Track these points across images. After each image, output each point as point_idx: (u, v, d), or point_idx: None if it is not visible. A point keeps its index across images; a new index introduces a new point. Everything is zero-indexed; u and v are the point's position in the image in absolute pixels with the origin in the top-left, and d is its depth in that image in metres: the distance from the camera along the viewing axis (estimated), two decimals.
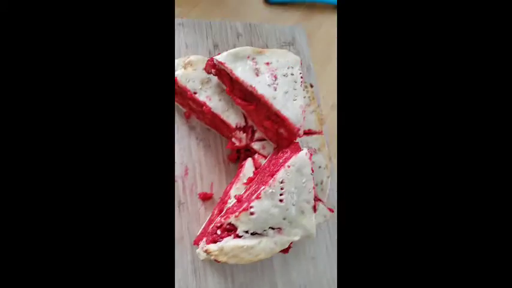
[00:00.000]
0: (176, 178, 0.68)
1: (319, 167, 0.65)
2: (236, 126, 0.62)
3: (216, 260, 0.46)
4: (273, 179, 0.47)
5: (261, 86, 0.52)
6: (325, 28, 0.93)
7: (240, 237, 0.46)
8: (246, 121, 0.63)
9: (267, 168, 0.53)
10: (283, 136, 0.56)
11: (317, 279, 0.71)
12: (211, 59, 0.57)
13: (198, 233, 0.66)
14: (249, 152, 0.66)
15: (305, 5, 0.92)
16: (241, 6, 0.88)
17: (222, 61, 0.54)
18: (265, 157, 0.62)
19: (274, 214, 0.46)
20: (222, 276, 0.65)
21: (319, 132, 0.68)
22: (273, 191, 0.46)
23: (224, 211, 0.55)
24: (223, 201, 0.59)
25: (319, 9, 0.93)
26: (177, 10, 0.80)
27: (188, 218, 0.67)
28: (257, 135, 0.63)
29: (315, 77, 0.83)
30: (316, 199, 0.66)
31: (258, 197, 0.46)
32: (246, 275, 0.67)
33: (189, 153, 0.69)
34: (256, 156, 0.63)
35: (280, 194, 0.47)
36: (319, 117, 0.68)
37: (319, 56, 0.88)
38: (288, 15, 0.91)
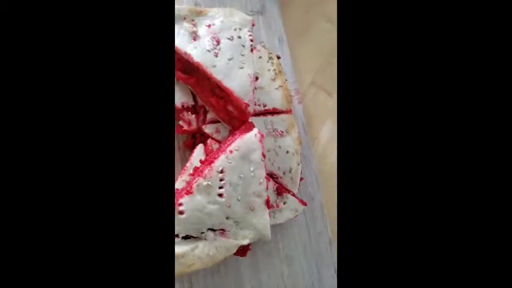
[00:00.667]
0: None
1: (287, 152, 0.54)
2: (183, 106, 0.51)
3: None
4: (209, 168, 0.36)
5: (197, 52, 0.41)
6: None
7: None
8: (195, 100, 0.52)
9: (213, 157, 0.42)
10: (233, 115, 0.45)
11: (293, 281, 0.61)
12: None
13: None
14: (204, 137, 0.55)
15: None
16: None
17: None
18: (219, 142, 0.51)
19: (212, 212, 0.35)
20: (178, 281, 0.56)
21: (287, 112, 0.56)
22: (209, 183, 0.35)
23: None
24: None
25: None
26: None
27: None
28: (209, 116, 0.52)
29: (288, 50, 0.71)
30: (285, 190, 0.55)
31: (188, 192, 0.35)
32: (207, 279, 0.57)
33: None
34: (209, 141, 0.52)
35: (220, 187, 0.36)
36: (286, 93, 0.56)
37: (294, 27, 0.75)
38: None
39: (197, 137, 0.56)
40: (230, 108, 0.44)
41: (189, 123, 0.52)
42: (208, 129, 0.52)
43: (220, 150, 0.38)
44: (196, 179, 0.37)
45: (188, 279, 0.56)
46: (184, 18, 0.43)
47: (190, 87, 0.50)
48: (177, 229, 0.36)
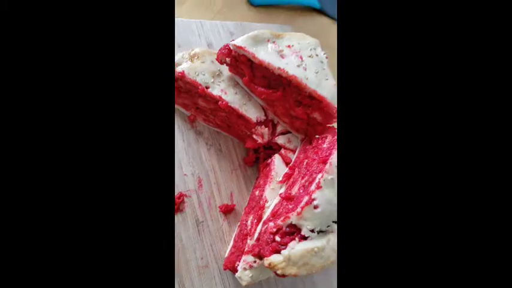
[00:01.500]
0: (189, 193, 0.56)
1: None
2: (257, 121, 0.54)
3: (281, 275, 0.36)
4: (328, 163, 0.39)
5: (290, 67, 0.46)
6: (308, 29, 0.92)
7: (305, 238, 0.37)
8: (265, 114, 0.55)
9: (310, 158, 0.45)
10: (315, 122, 0.49)
11: None
12: (226, 46, 0.50)
13: (227, 254, 0.54)
14: (270, 150, 0.58)
15: (288, 8, 0.91)
16: (227, 8, 0.84)
17: (241, 45, 0.47)
18: (293, 151, 0.55)
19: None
20: None
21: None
22: (333, 177, 0.39)
23: (267, 215, 0.45)
24: (260, 207, 0.49)
25: (302, 12, 0.93)
26: None
27: (210, 239, 0.54)
28: (279, 128, 0.56)
29: None
30: None
31: (318, 187, 0.38)
32: None
33: (200, 162, 0.58)
34: (283, 151, 0.55)
35: None
36: None
37: None
38: (272, 18, 0.89)
39: (260, 151, 0.59)
40: (315, 115, 0.49)
41: (262, 136, 0.55)
42: (280, 140, 0.55)
43: (328, 149, 0.42)
44: (320, 175, 0.39)
45: None
46: (268, 40, 0.49)
47: (263, 103, 0.54)
48: (314, 224, 0.37)
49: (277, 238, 0.38)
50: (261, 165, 0.58)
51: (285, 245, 0.37)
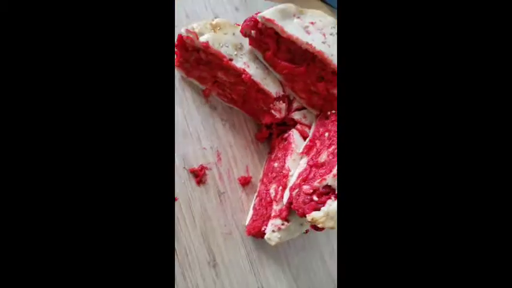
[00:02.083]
0: (209, 165, 0.57)
1: None
2: (276, 96, 0.57)
3: (320, 229, 0.41)
4: None
5: (316, 43, 0.49)
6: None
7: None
8: (283, 90, 0.58)
9: (332, 131, 0.50)
10: (333, 97, 0.54)
11: None
12: (252, 18, 0.51)
13: (247, 222, 0.57)
14: (283, 126, 0.61)
15: None
16: None
17: (271, 18, 0.49)
18: (308, 126, 0.59)
19: None
20: (278, 262, 0.58)
21: None
22: None
23: (293, 182, 0.49)
24: (283, 176, 0.53)
25: None
26: None
27: (231, 209, 0.57)
28: (295, 104, 0.60)
29: None
30: None
31: None
32: (299, 254, 0.61)
33: (216, 137, 0.60)
34: (299, 126, 0.59)
35: None
36: None
37: None
38: None
39: (273, 128, 0.62)
40: (335, 91, 0.53)
41: (280, 111, 0.58)
42: (297, 115, 0.59)
43: None
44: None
45: (285, 258, 0.59)
46: (294, 15, 0.51)
47: (281, 78, 0.57)
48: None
49: (315, 198, 0.42)
50: (276, 140, 0.61)
51: (323, 203, 0.42)
